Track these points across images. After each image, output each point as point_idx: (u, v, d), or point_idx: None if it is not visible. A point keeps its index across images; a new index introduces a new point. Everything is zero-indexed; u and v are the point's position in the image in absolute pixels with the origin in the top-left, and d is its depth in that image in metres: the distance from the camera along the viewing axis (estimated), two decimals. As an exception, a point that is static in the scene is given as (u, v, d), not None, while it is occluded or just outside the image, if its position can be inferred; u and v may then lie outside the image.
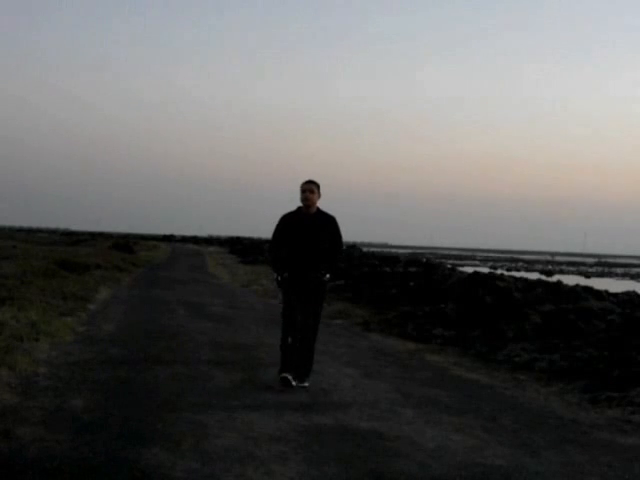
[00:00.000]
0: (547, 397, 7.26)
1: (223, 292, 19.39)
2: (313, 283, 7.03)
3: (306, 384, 6.95)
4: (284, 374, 6.92)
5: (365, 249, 51.76)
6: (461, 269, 26.11)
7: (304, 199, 7.09)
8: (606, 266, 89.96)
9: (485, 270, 25.74)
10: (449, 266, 27.26)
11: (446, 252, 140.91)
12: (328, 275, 7.09)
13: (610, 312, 10.88)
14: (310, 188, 7.07)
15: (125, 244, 43.59)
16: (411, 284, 16.38)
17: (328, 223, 7.16)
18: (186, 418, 5.58)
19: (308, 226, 7.05)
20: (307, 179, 7.14)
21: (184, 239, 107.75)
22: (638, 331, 9.00)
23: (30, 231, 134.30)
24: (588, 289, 14.10)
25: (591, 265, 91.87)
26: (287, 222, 7.13)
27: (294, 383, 6.84)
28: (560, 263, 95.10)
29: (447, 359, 9.36)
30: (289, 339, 7.05)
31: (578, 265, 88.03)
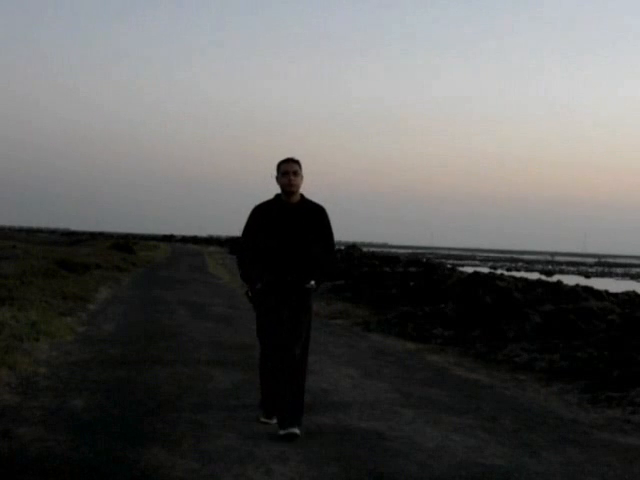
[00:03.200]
0: (547, 397, 7.26)
1: (223, 292, 19.38)
2: (296, 294, 5.38)
3: (297, 431, 5.15)
4: (264, 419, 5.53)
5: (365, 249, 51.72)
6: (461, 269, 26.12)
7: (286, 184, 5.41)
8: (606, 266, 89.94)
9: (485, 270, 25.78)
10: (449, 266, 27.29)
11: (446, 252, 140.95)
12: (313, 282, 5.44)
13: (610, 312, 10.88)
14: (294, 169, 5.41)
15: (125, 244, 43.59)
16: (411, 284, 16.38)
17: (316, 215, 5.52)
18: (186, 418, 5.58)
19: (290, 219, 5.42)
20: (287, 157, 5.48)
21: (184, 239, 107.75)
22: (638, 331, 9.00)
23: (30, 231, 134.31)
24: (588, 289, 14.11)
25: (591, 265, 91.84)
26: (262, 215, 5.48)
27: (272, 421, 5.39)
28: (560, 263, 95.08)
29: (447, 359, 9.36)
30: (269, 363, 5.47)
31: (578, 265, 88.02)
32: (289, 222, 5.41)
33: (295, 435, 5.11)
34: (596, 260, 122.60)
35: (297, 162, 5.47)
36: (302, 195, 5.54)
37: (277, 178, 5.49)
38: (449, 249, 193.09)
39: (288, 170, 5.40)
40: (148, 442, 4.89)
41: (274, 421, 5.35)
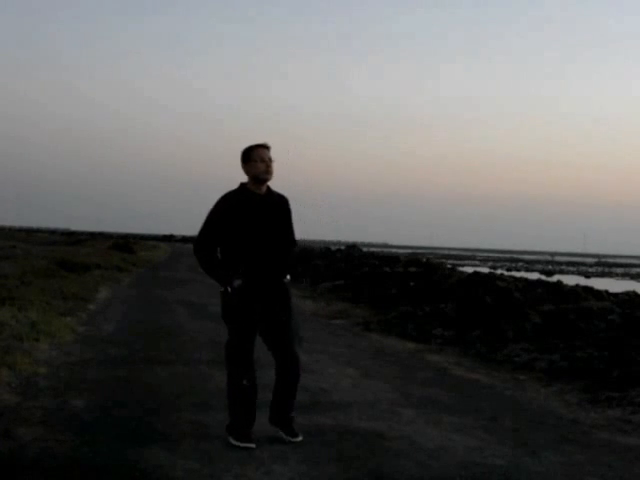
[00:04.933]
0: (547, 397, 7.26)
1: (223, 292, 19.35)
2: (278, 291, 5.09)
3: (300, 438, 5.07)
4: (243, 444, 4.89)
5: (365, 249, 51.65)
6: (461, 269, 26.08)
7: (264, 172, 5.06)
8: (606, 266, 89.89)
9: (485, 270, 25.71)
10: (449, 266, 27.23)
11: (446, 252, 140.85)
12: (289, 276, 5.19)
13: (610, 312, 10.86)
14: (269, 156, 5.08)
15: (125, 244, 43.56)
16: (411, 284, 16.36)
17: (282, 206, 5.22)
18: (186, 418, 5.58)
19: (262, 211, 5.06)
20: (258, 142, 5.12)
21: (184, 239, 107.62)
22: (638, 331, 9.00)
23: (30, 231, 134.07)
24: (588, 289, 14.08)
25: (591, 265, 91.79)
26: (231, 207, 5.03)
27: (253, 445, 4.88)
28: (560, 263, 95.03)
29: (447, 359, 9.36)
30: (244, 380, 5.00)
31: (578, 265, 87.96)
32: (262, 214, 5.05)
33: (298, 442, 5.03)
34: (596, 260, 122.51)
35: (269, 149, 5.11)
36: (268, 185, 5.16)
37: (246, 166, 5.09)
38: (449, 249, 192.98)
39: (265, 157, 5.04)
40: (148, 442, 4.89)
41: (253, 444, 4.88)
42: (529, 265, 79.01)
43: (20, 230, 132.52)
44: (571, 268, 75.56)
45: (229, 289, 5.01)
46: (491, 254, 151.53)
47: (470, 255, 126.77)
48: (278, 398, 5.12)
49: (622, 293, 14.57)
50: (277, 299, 5.08)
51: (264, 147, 5.08)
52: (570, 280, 20.79)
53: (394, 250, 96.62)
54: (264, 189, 5.13)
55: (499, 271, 32.51)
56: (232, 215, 5.02)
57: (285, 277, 5.15)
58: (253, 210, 5.04)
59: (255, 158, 5.05)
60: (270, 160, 5.05)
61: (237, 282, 4.98)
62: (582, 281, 30.37)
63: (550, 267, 75.16)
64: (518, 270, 58.69)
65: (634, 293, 14.58)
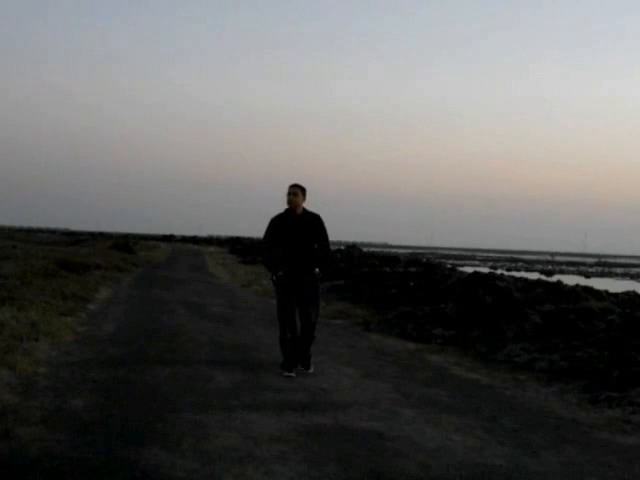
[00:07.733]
0: (547, 397, 7.26)
1: (223, 292, 19.39)
2: (307, 279, 7.58)
3: (311, 370, 7.74)
4: (287, 373, 7.47)
5: (365, 249, 51.66)
6: (461, 269, 26.10)
7: (288, 201, 7.63)
8: (606, 266, 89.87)
9: (485, 270, 25.72)
10: (449, 266, 27.24)
11: (446, 252, 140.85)
12: (318, 270, 7.62)
13: (610, 312, 10.86)
14: (294, 191, 7.62)
15: (125, 244, 43.61)
16: (411, 284, 16.37)
17: (314, 221, 7.69)
18: (186, 418, 5.58)
19: (296, 226, 7.58)
20: (293, 183, 7.67)
21: (184, 239, 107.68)
22: (638, 331, 9.00)
23: (30, 231, 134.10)
24: (588, 289, 14.07)
25: (591, 265, 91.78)
26: (277, 224, 7.65)
27: (293, 374, 7.46)
28: (560, 263, 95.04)
29: (447, 359, 9.36)
30: (287, 334, 7.62)
31: (578, 265, 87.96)
32: (296, 228, 7.56)
33: (310, 373, 7.60)
34: (596, 260, 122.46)
35: (299, 187, 7.61)
36: (304, 208, 7.70)
37: (286, 197, 7.61)
38: (449, 249, 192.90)
39: (290, 192, 7.63)
40: (148, 442, 4.89)
41: (294, 374, 7.43)
42: (529, 265, 78.99)
43: (20, 230, 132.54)
44: (571, 268, 75.56)
45: (274, 277, 7.64)
46: (491, 254, 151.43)
47: (470, 255, 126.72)
48: (301, 342, 7.65)
49: (622, 293, 14.57)
50: (306, 283, 7.58)
51: (292, 186, 7.62)
52: (570, 280, 20.79)
53: (394, 250, 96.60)
54: (298, 211, 7.65)
55: (499, 271, 32.51)
56: (276, 229, 7.63)
57: (315, 270, 7.61)
58: (290, 226, 7.58)
59: (287, 194, 7.63)
60: (294, 195, 7.60)
61: (279, 273, 7.59)
62: (582, 281, 30.35)
63: (550, 267, 75.16)
64: (518, 270, 58.70)
65: (634, 293, 14.58)
